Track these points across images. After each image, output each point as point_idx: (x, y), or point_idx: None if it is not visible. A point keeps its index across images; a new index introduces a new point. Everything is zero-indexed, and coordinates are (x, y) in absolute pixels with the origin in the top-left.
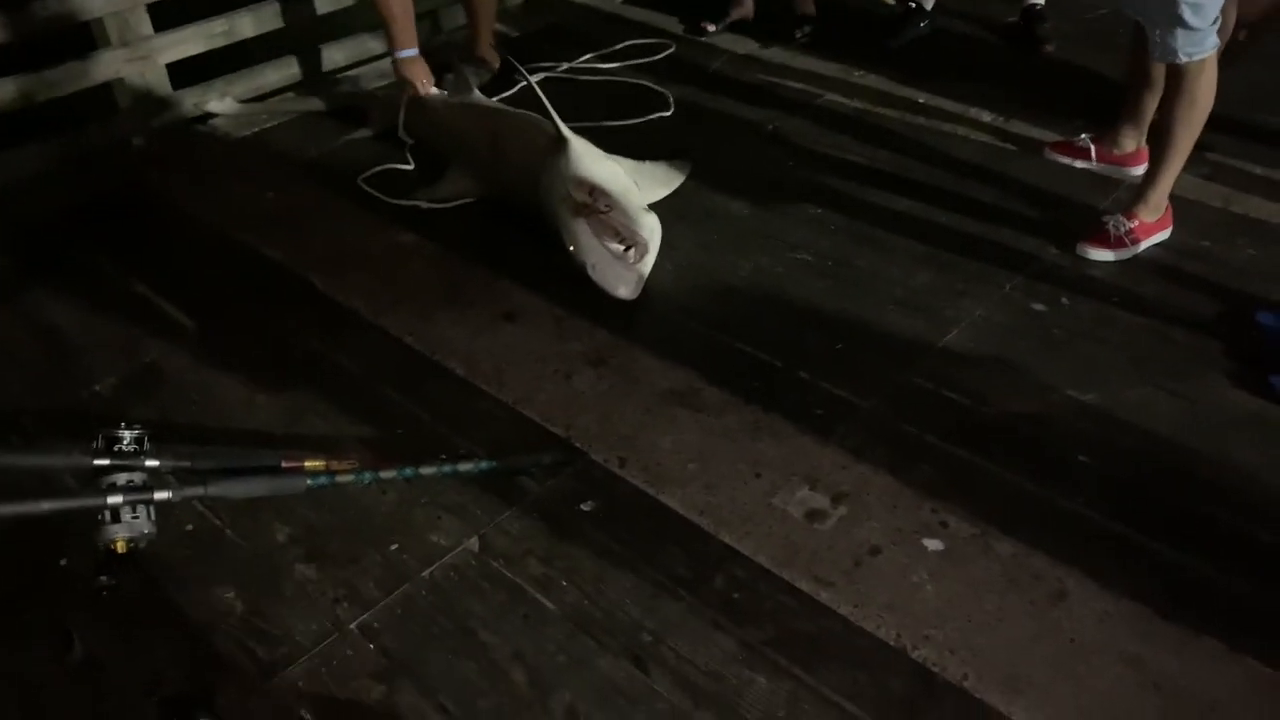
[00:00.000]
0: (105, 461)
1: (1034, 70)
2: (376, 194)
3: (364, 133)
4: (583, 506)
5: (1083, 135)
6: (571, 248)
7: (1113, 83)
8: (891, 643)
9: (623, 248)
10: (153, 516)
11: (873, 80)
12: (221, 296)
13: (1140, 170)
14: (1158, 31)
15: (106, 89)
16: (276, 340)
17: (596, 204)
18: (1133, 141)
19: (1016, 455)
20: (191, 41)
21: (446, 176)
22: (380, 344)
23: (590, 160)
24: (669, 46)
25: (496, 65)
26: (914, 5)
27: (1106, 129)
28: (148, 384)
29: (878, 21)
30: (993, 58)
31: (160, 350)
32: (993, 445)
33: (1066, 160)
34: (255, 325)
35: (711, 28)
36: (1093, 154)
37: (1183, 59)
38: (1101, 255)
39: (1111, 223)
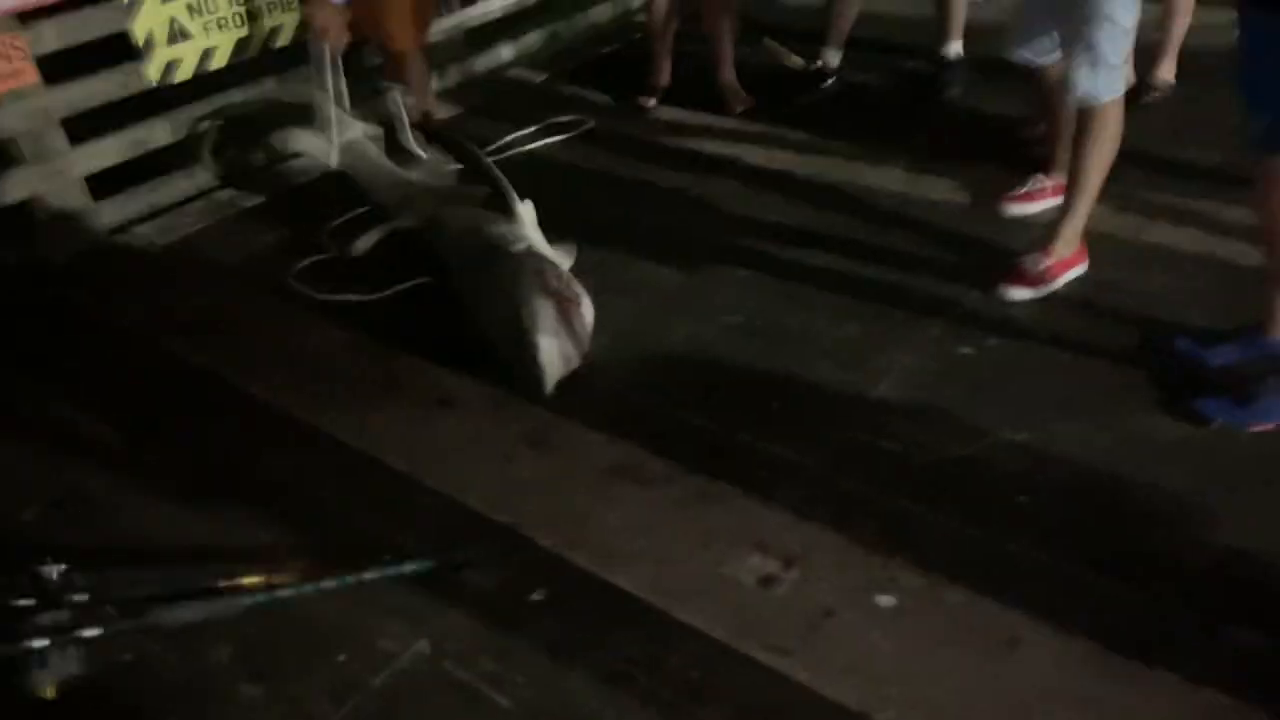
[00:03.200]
0: (30, 602)
1: (941, 119)
2: (305, 290)
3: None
4: (533, 596)
5: (1037, 176)
6: (526, 322)
7: (1016, 126)
8: (853, 707)
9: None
10: (82, 655)
11: (788, 139)
12: (150, 409)
13: None
14: (1076, 73)
15: (22, 206)
16: (208, 450)
17: (565, 292)
18: None
19: (957, 501)
20: (107, 153)
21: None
22: (315, 444)
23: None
24: (587, 122)
25: (439, 114)
26: (819, 65)
27: (1049, 164)
28: (77, 508)
29: (787, 81)
30: (901, 110)
31: (88, 471)
32: (933, 493)
33: (1030, 207)
34: (186, 436)
35: (651, 103)
36: (1050, 191)
37: (1104, 97)
38: (1021, 294)
39: (1028, 261)
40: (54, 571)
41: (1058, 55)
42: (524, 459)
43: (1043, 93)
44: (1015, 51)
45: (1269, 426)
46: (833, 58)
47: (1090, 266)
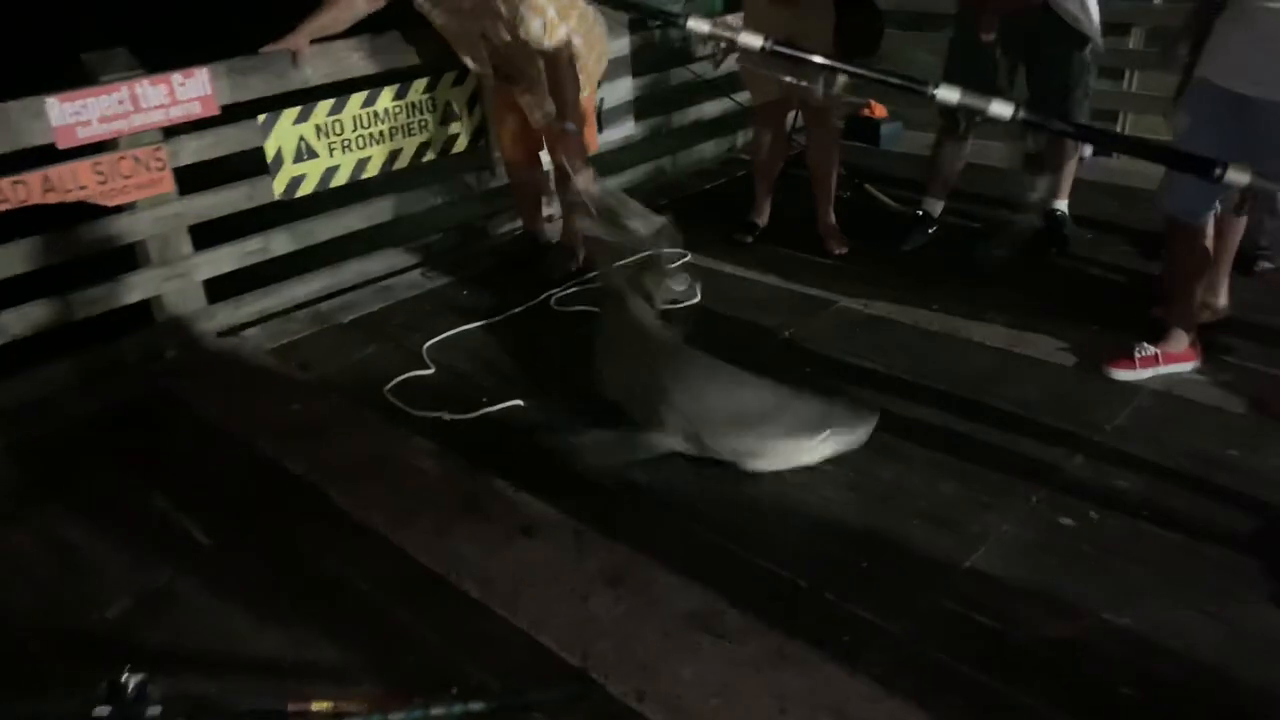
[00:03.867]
0: (106, 710)
1: (1045, 275)
2: (400, 404)
3: None
4: None
5: (1143, 344)
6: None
7: (1123, 286)
8: None
9: None
10: None
11: (887, 285)
12: (240, 512)
13: (1196, 364)
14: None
15: (143, 303)
16: (291, 558)
17: None
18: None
19: (1053, 687)
20: (228, 259)
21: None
22: (395, 562)
23: None
24: (685, 255)
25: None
26: (921, 213)
27: (1165, 330)
28: (159, 606)
29: (888, 227)
30: (1004, 263)
31: (175, 570)
32: (1027, 675)
33: (1137, 373)
34: (271, 542)
35: (749, 240)
36: (1160, 358)
37: None
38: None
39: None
40: (131, 681)
41: (1212, 212)
42: (600, 597)
43: (1187, 249)
44: (1168, 208)
45: None
46: (934, 207)
47: (1201, 443)
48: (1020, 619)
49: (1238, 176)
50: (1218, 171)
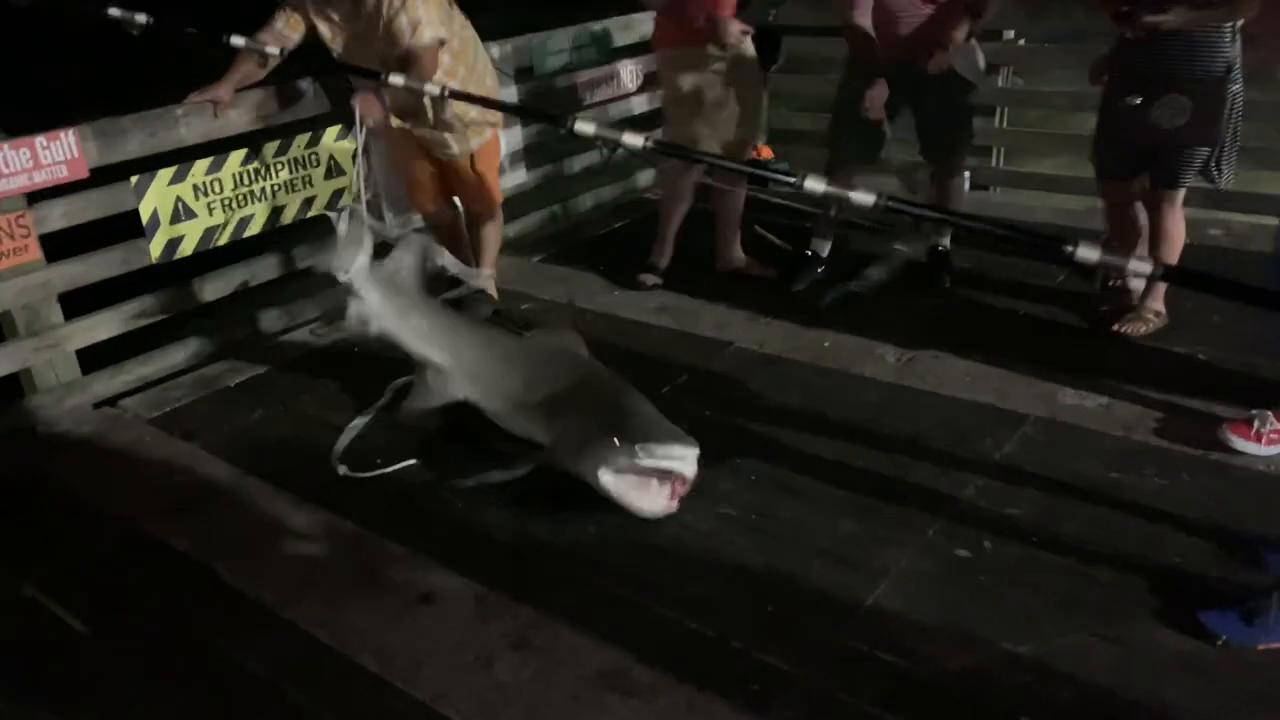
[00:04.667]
0: None
1: (933, 309)
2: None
3: None
4: None
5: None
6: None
7: (1004, 314)
8: None
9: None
10: None
11: (780, 324)
12: (121, 596)
13: None
14: None
15: (11, 377)
16: (177, 643)
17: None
18: None
19: None
20: (103, 326)
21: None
22: (288, 640)
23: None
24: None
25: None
26: (810, 253)
27: None
28: (29, 705)
29: (780, 268)
30: (893, 298)
31: (47, 664)
32: (933, 711)
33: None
34: (156, 627)
35: (651, 280)
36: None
37: None
38: (1245, 446)
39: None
40: None
41: None
42: (506, 662)
43: None
44: None
45: (1278, 646)
46: (822, 247)
47: (1086, 468)
48: (924, 655)
49: (1087, 254)
50: (1068, 249)
